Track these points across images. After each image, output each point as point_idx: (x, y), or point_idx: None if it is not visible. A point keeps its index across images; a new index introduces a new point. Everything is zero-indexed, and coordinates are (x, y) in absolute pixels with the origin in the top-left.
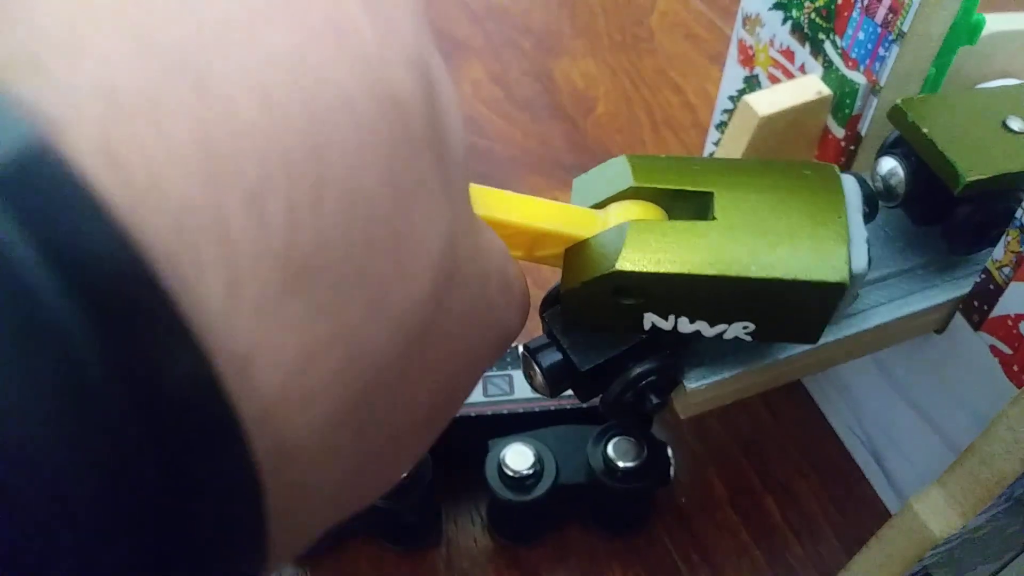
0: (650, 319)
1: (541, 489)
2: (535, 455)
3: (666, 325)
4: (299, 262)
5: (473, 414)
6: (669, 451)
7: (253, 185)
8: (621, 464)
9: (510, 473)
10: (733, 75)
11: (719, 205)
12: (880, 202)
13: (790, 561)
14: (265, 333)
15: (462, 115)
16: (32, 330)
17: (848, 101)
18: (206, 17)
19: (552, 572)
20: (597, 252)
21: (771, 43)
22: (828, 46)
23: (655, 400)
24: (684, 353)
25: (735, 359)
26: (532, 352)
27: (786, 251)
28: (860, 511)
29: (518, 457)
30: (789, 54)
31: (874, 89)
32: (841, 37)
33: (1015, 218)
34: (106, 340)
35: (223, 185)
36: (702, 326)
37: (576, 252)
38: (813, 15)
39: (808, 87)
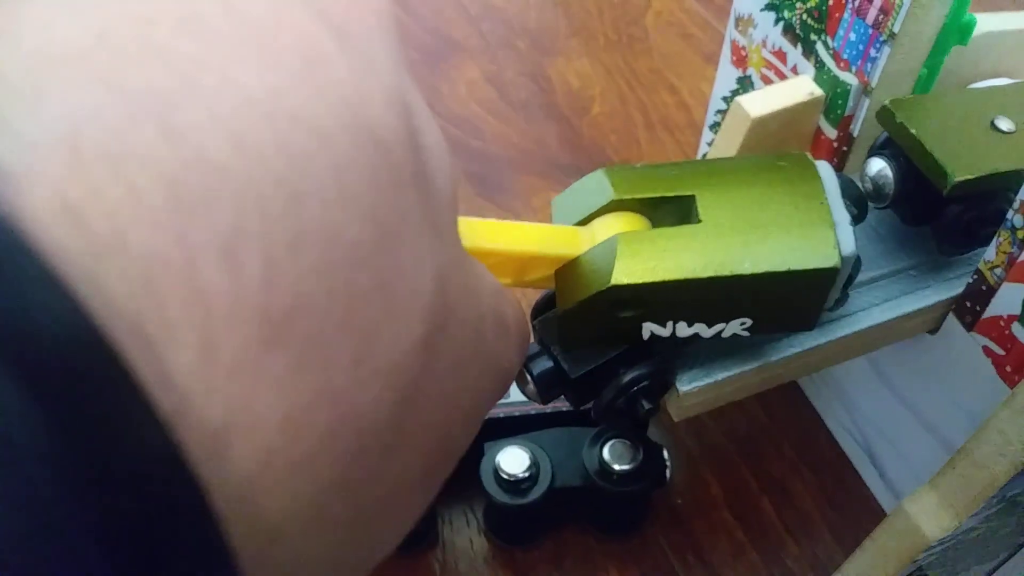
0: (648, 328)
1: (537, 492)
2: (530, 458)
3: (664, 332)
4: (279, 316)
5: None
6: (665, 453)
7: (227, 235)
8: (617, 467)
9: (505, 476)
10: (726, 76)
11: (702, 207)
12: (870, 203)
13: (786, 561)
14: (243, 398)
15: (448, 152)
16: None
17: (840, 102)
18: (175, 59)
19: (548, 575)
20: (590, 269)
21: (763, 44)
22: (820, 47)
23: (647, 405)
24: (676, 357)
25: (727, 362)
26: (523, 360)
27: (775, 243)
28: (856, 510)
29: (513, 460)
30: (781, 55)
31: (866, 90)
32: (832, 38)
33: (1006, 219)
34: (46, 418)
35: (194, 236)
36: (700, 328)
37: (568, 272)
38: (805, 16)
39: (800, 88)
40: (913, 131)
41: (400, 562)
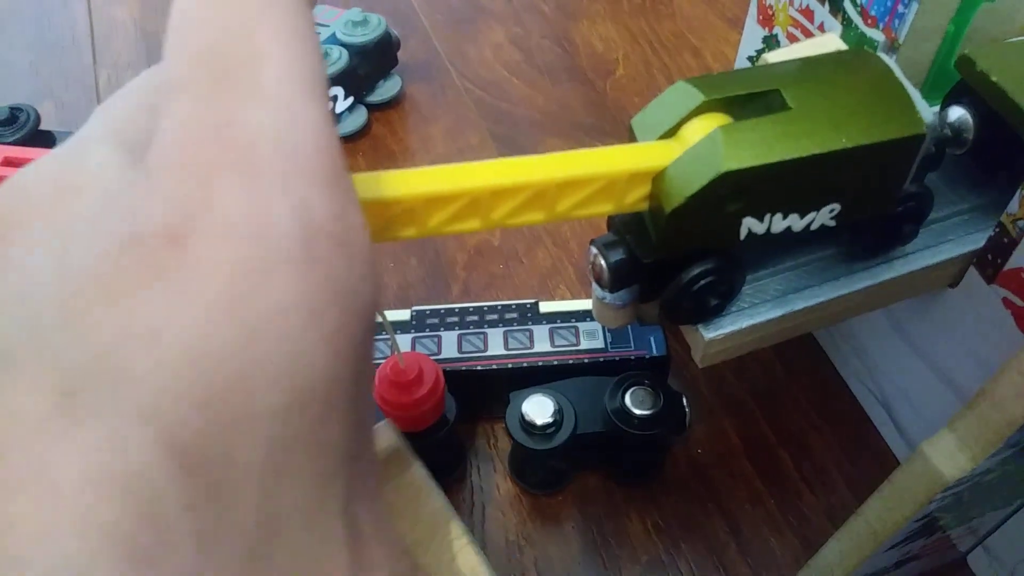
0: (747, 225)
1: (561, 438)
2: (555, 405)
3: (761, 228)
4: None
5: (495, 367)
6: (685, 401)
7: None
8: (637, 412)
9: (531, 423)
10: (752, 35)
11: (789, 97)
12: (947, 149)
13: (802, 509)
14: None
15: None
16: None
17: None
18: None
19: (571, 518)
20: (694, 166)
21: (791, 2)
22: (847, 4)
23: (714, 301)
24: (740, 257)
25: (752, 311)
26: (601, 247)
27: (865, 120)
28: (872, 462)
29: (538, 408)
30: (808, 13)
31: (893, 46)
32: None
33: None
34: None
35: None
36: (793, 220)
37: (668, 177)
38: None
39: (827, 45)
40: (995, 79)
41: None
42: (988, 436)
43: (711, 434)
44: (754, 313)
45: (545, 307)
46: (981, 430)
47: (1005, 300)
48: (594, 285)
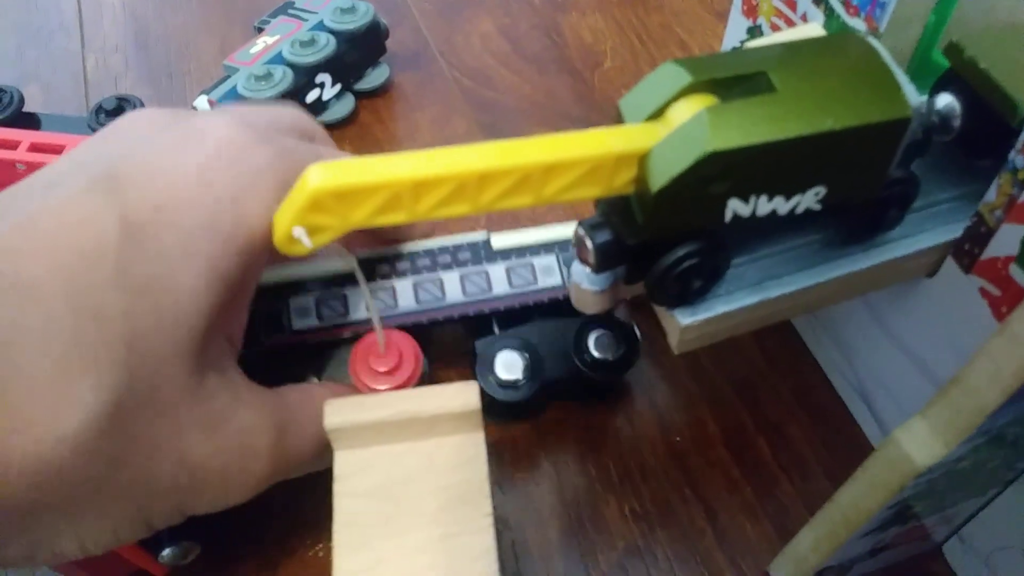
0: (732, 207)
1: (531, 389)
2: (523, 360)
3: (746, 210)
4: None
5: (456, 316)
6: (636, 331)
7: None
8: (599, 355)
9: (502, 379)
10: (736, 26)
11: (776, 79)
12: (935, 136)
13: (780, 498)
14: None
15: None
16: None
17: None
18: None
19: (549, 503)
20: (680, 147)
21: None
22: None
23: (697, 283)
24: (725, 239)
25: (728, 297)
26: (587, 229)
27: (852, 102)
28: (849, 451)
29: (509, 364)
30: (791, 2)
31: (874, 35)
32: None
33: (1008, 160)
34: None
35: None
36: (778, 203)
37: (654, 158)
38: None
39: (808, 35)
40: (983, 65)
41: None
42: (961, 423)
43: (690, 422)
44: (730, 300)
45: (497, 242)
46: (954, 417)
47: (981, 290)
48: (572, 270)
